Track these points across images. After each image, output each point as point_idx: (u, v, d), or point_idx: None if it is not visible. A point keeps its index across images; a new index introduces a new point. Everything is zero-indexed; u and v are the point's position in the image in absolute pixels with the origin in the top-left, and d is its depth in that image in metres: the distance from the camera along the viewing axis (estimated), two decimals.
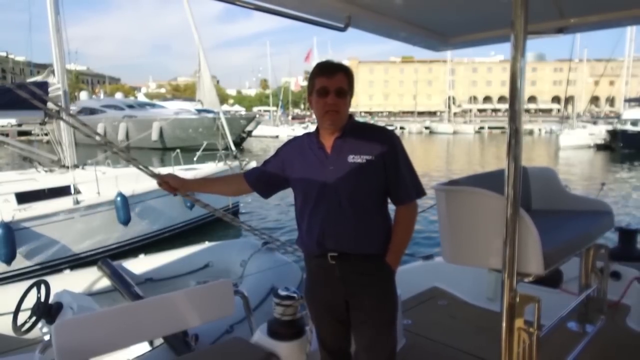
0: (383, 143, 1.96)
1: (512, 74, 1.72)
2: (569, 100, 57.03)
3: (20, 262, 7.45)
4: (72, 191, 8.49)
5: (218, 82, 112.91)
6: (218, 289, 2.46)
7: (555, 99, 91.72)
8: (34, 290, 3.75)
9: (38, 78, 9.76)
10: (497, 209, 1.89)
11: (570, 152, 32.39)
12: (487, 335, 3.08)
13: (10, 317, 3.71)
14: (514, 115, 1.73)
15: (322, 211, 1.98)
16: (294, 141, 2.15)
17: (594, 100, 61.76)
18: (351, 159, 1.94)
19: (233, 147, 12.34)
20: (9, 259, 7.18)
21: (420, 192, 2.05)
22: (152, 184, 9.64)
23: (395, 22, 2.52)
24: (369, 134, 2.00)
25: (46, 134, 9.73)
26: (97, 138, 3.38)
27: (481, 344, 2.99)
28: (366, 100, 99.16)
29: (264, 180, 2.21)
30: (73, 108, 32.00)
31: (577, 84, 55.10)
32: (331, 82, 1.91)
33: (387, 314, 2.02)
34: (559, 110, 77.63)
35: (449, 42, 2.97)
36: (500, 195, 1.90)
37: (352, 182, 1.94)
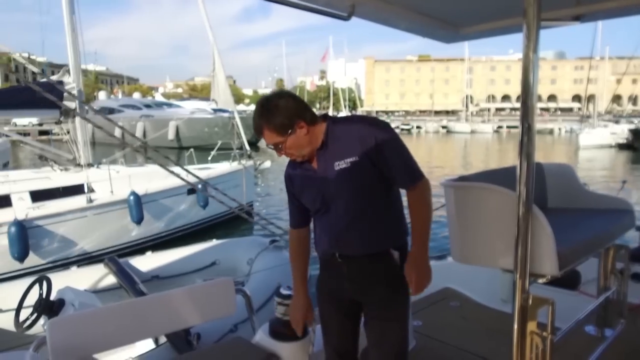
0: (364, 139, 1.84)
1: (525, 67, 1.63)
2: (590, 98, 56.03)
3: (33, 260, 7.52)
4: (86, 190, 8.54)
5: (235, 82, 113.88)
6: (219, 288, 2.41)
7: (576, 98, 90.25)
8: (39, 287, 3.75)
9: (54, 77, 9.86)
10: (508, 206, 1.80)
11: (591, 151, 31.79)
12: (500, 338, 2.95)
13: (14, 313, 3.72)
14: (526, 111, 1.65)
15: (324, 221, 1.99)
16: (288, 165, 2.11)
17: (616, 98, 60.62)
18: (337, 166, 1.87)
19: (247, 147, 12.35)
20: (22, 257, 7.25)
21: (418, 175, 1.91)
22: (164, 183, 9.75)
23: (401, 11, 2.41)
24: (348, 133, 1.88)
25: (68, 132, 9.83)
26: (116, 135, 3.34)
27: (493, 347, 2.89)
28: (382, 100, 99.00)
29: (302, 212, 2.13)
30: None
31: (598, 83, 54.14)
32: (266, 140, 1.86)
33: (397, 310, 1.97)
34: (579, 109, 76.29)
35: (460, 32, 2.84)
36: (511, 191, 1.80)
37: (343, 188, 1.88)
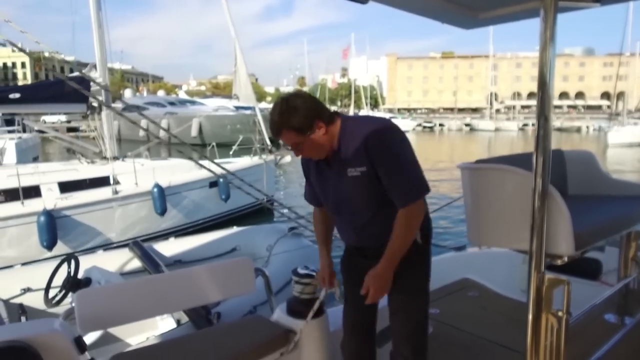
0: (370, 148, 1.82)
1: (541, 57, 1.57)
2: (619, 96, 54.42)
3: (61, 249, 7.75)
4: (111, 182, 8.76)
5: (257, 79, 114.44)
6: (238, 266, 2.46)
7: (605, 95, 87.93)
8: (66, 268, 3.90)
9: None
10: (524, 187, 1.80)
11: (620, 150, 30.93)
12: (518, 327, 2.94)
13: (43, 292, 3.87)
14: (543, 105, 1.60)
15: (339, 219, 2.10)
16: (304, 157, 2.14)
17: None
18: (349, 172, 1.88)
19: (269, 142, 12.48)
20: (51, 245, 7.50)
21: (412, 197, 1.85)
22: (187, 176, 9.92)
23: None
24: (358, 138, 1.85)
25: (94, 129, 10.09)
26: (160, 133, 3.45)
27: (511, 336, 2.86)
28: (404, 97, 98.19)
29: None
30: (118, 106, 33.23)
31: (628, 79, 52.56)
32: (284, 141, 1.86)
33: (420, 281, 2.03)
34: (608, 107, 74.22)
35: (479, 17, 2.81)
36: (528, 172, 1.79)
37: (356, 199, 1.94)
